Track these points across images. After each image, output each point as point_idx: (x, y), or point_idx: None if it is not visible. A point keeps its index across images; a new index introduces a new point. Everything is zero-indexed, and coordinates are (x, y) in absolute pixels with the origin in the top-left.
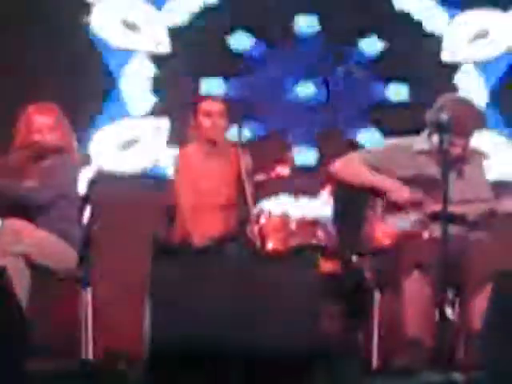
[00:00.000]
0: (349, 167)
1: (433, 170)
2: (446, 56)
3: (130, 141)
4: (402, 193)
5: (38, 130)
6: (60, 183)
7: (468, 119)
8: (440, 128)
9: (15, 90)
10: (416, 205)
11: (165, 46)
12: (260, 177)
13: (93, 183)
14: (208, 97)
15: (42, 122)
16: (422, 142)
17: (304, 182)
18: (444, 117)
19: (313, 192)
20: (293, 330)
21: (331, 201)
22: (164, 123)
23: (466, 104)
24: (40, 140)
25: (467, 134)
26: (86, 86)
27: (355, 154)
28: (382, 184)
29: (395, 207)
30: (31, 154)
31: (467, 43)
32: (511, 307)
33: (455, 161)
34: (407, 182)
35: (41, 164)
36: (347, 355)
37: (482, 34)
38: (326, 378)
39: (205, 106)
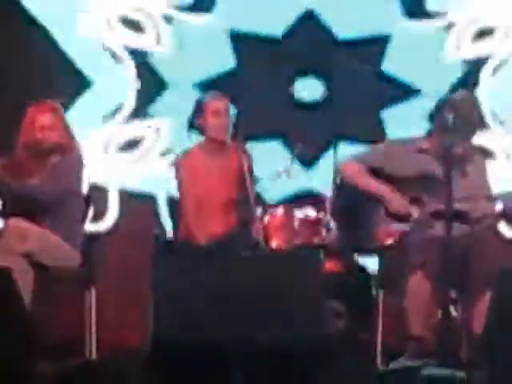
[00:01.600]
0: (352, 171)
1: (435, 168)
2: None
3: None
4: (398, 206)
5: (41, 128)
6: (64, 182)
7: (473, 119)
8: (445, 128)
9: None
10: (419, 206)
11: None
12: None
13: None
14: (213, 95)
15: (44, 121)
16: (424, 140)
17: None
18: (449, 117)
19: None
20: (296, 329)
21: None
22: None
23: (472, 103)
24: (43, 139)
25: (471, 134)
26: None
27: (356, 157)
28: (379, 193)
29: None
30: (34, 152)
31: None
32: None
33: (458, 160)
34: (409, 180)
35: (45, 163)
36: (351, 354)
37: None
38: (329, 376)
39: (213, 104)
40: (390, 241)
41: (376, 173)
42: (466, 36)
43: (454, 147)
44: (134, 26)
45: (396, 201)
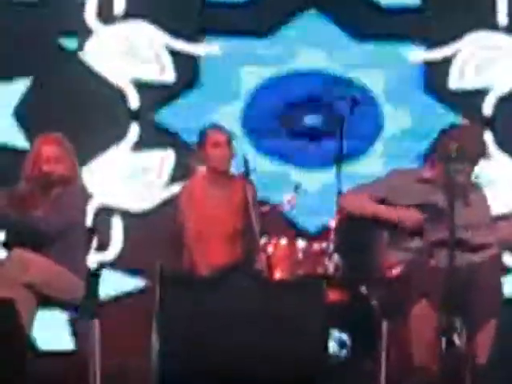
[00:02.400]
0: (356, 200)
1: (438, 198)
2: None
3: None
4: (413, 217)
5: (46, 160)
6: (68, 214)
7: (475, 147)
8: (448, 157)
9: None
10: (421, 236)
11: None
12: (265, 208)
13: (98, 215)
14: (214, 127)
15: (50, 153)
16: (426, 170)
17: None
18: (452, 146)
19: None
20: (301, 358)
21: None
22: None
23: (474, 132)
24: (48, 171)
25: (474, 162)
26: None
27: (361, 187)
28: (392, 213)
29: (403, 235)
30: (39, 184)
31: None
32: None
33: (460, 189)
34: None
35: (49, 194)
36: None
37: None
38: None
39: (213, 136)
40: (393, 271)
41: (378, 202)
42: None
43: (457, 176)
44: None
45: (409, 215)
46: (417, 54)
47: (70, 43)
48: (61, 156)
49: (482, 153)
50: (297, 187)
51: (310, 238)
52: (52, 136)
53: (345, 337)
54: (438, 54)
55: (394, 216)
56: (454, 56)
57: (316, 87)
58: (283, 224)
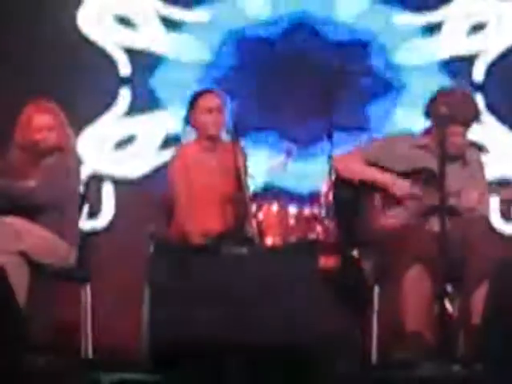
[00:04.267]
0: (349, 163)
1: (431, 163)
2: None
3: (125, 140)
4: (402, 186)
5: (38, 129)
6: (60, 183)
7: (467, 109)
8: (440, 121)
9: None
10: (415, 198)
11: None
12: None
13: (89, 183)
14: (206, 91)
15: (42, 121)
16: (423, 136)
17: None
18: (444, 109)
19: None
20: (293, 326)
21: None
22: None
23: (465, 95)
24: (40, 139)
25: (467, 123)
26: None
27: (355, 150)
28: (382, 179)
29: (394, 201)
30: (31, 153)
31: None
32: (509, 300)
33: (454, 153)
34: (405, 176)
35: (41, 163)
36: (347, 350)
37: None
38: (326, 372)
39: (205, 102)
40: (386, 233)
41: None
42: (459, 31)
43: (452, 137)
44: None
45: (398, 182)
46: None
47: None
48: (53, 125)
49: (474, 115)
50: (288, 152)
51: (302, 202)
52: (44, 104)
53: (336, 302)
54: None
55: (384, 181)
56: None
57: None
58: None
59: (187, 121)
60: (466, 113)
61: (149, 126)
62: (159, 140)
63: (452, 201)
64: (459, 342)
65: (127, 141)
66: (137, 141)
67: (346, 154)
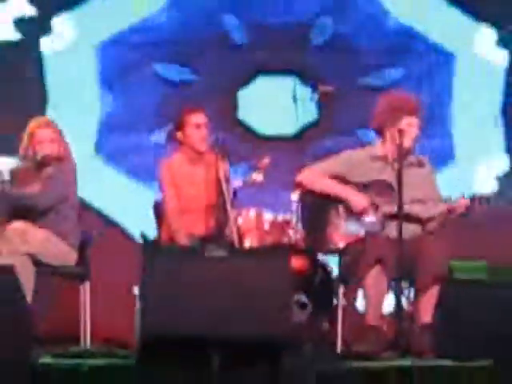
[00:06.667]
0: (312, 177)
1: (387, 175)
2: None
3: None
4: (360, 201)
5: (40, 142)
6: (60, 189)
7: (409, 99)
8: (390, 120)
9: None
10: (373, 210)
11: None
12: (237, 182)
13: None
14: (195, 109)
15: (44, 135)
16: (378, 146)
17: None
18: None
19: None
20: (267, 320)
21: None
22: None
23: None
24: (41, 151)
25: (417, 112)
26: None
27: (316, 165)
28: (342, 193)
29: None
30: (35, 163)
31: None
32: (459, 302)
33: (411, 147)
34: (363, 187)
35: (42, 172)
36: (315, 341)
37: None
38: (295, 361)
39: (194, 118)
40: (345, 243)
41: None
42: None
43: (410, 129)
44: None
45: (358, 197)
46: None
47: None
48: (53, 138)
49: (418, 104)
50: None
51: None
52: (44, 120)
53: (305, 299)
54: None
55: (344, 195)
56: None
57: None
58: (254, 197)
59: (170, 136)
60: (409, 103)
61: None
62: None
63: (408, 209)
64: (413, 336)
65: None
66: None
67: (312, 167)
